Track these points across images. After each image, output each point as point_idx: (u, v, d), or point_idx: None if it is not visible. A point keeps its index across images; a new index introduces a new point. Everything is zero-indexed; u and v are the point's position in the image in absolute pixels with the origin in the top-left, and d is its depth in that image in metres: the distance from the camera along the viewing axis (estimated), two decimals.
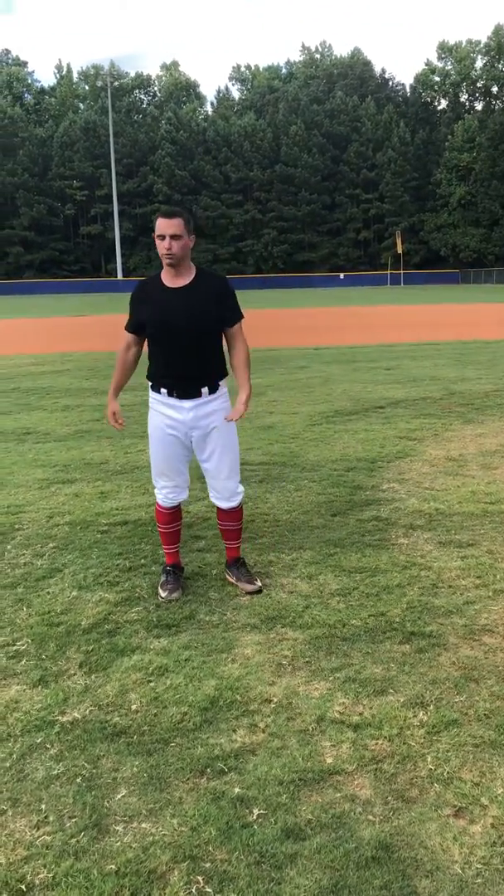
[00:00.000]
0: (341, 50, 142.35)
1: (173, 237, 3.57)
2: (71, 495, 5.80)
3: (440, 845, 2.17)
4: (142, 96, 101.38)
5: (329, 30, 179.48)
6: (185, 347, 3.71)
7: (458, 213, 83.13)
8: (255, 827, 2.26)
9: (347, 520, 5.05)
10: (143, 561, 4.45)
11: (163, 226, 3.57)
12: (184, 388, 3.78)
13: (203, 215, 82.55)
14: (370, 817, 2.29)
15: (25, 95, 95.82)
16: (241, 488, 4.05)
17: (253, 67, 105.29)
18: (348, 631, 3.48)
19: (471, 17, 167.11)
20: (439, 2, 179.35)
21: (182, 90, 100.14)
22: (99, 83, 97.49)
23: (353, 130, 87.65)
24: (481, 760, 2.55)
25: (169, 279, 3.72)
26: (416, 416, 8.49)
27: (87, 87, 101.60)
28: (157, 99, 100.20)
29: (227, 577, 4.13)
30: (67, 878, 2.09)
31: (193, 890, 2.05)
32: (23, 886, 2.07)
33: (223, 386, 3.92)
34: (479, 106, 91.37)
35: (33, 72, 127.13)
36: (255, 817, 2.31)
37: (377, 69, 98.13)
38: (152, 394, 3.90)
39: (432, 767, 2.52)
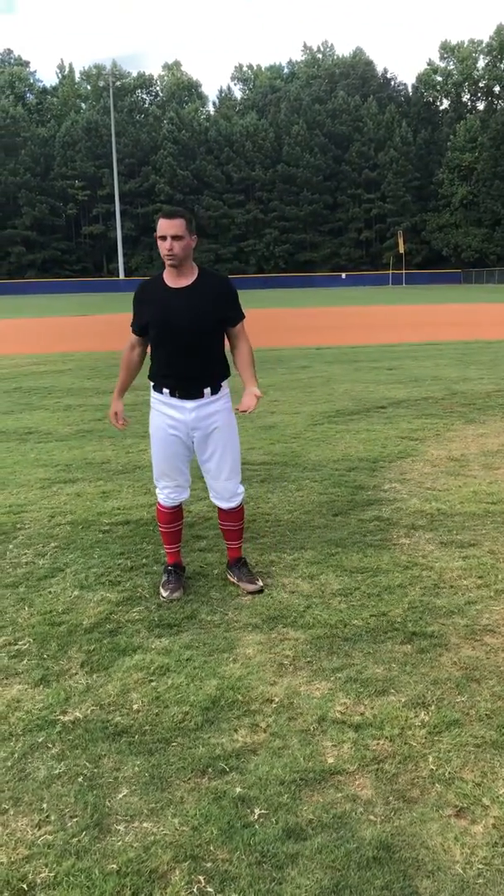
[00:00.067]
0: (343, 50, 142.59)
1: (175, 238, 3.57)
2: (73, 495, 5.80)
3: (441, 845, 2.17)
4: (144, 96, 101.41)
5: (331, 30, 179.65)
6: (188, 347, 3.71)
7: (460, 213, 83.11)
8: (257, 827, 2.26)
9: (349, 520, 5.05)
10: (144, 560, 4.45)
11: (164, 226, 3.57)
12: (186, 388, 3.78)
13: (205, 215, 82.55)
14: (371, 817, 2.29)
15: (27, 95, 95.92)
16: (241, 489, 4.05)
17: (255, 67, 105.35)
18: (350, 631, 3.48)
19: (473, 16, 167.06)
20: (441, 2, 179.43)
21: (184, 90, 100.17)
22: (101, 83, 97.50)
23: (354, 130, 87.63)
24: (483, 761, 2.55)
25: (171, 279, 3.72)
26: (417, 416, 8.48)
27: (89, 87, 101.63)
28: (159, 99, 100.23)
29: (229, 576, 4.13)
30: (69, 877, 2.09)
31: (195, 889, 2.05)
32: (24, 886, 2.07)
33: (225, 386, 3.92)
34: (481, 106, 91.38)
35: (35, 71, 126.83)
36: (256, 817, 2.31)
37: (379, 69, 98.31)
38: (154, 394, 3.90)
39: (434, 768, 2.52)
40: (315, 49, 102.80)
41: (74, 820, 2.32)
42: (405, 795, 2.39)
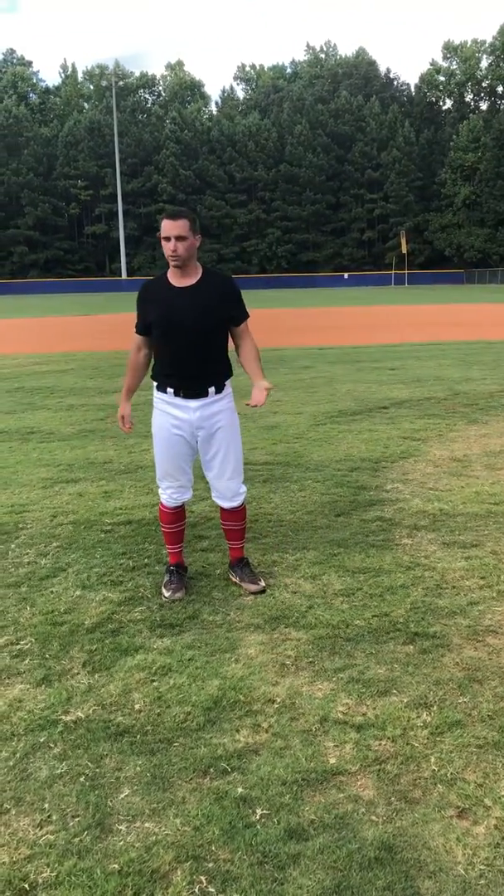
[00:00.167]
0: (346, 49, 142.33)
1: (178, 238, 3.57)
2: (75, 495, 5.81)
3: (443, 846, 2.17)
4: (146, 96, 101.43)
5: (334, 29, 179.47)
6: (192, 347, 3.71)
7: (463, 213, 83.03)
8: (258, 827, 2.26)
9: (351, 520, 5.04)
10: (146, 560, 4.45)
11: (168, 227, 3.57)
12: (190, 387, 3.78)
13: (207, 215, 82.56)
14: (373, 818, 2.29)
15: (30, 95, 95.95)
16: (243, 488, 4.05)
17: (258, 67, 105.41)
18: (352, 631, 3.48)
19: (476, 16, 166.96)
20: (444, 1, 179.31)
21: (187, 90, 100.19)
22: (104, 83, 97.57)
23: (357, 130, 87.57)
24: (485, 761, 2.55)
25: (175, 279, 3.72)
26: (420, 417, 8.48)
27: (91, 87, 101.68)
28: (161, 98, 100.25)
29: (231, 576, 4.13)
30: (70, 877, 2.09)
31: (196, 890, 2.05)
32: (26, 885, 2.07)
33: (229, 386, 3.92)
34: (484, 106, 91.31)
35: (38, 71, 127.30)
36: (258, 817, 2.31)
37: (382, 69, 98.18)
38: (158, 393, 3.90)
39: (436, 768, 2.51)
40: (318, 49, 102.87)
41: (76, 820, 2.33)
42: (407, 796, 2.39)
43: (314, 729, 2.75)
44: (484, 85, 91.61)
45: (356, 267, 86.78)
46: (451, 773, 2.49)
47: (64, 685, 3.09)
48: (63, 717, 2.87)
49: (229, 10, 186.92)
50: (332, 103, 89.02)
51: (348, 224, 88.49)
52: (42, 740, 2.73)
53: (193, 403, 3.79)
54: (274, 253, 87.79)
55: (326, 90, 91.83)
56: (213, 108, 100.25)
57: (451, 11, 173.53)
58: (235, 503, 4.03)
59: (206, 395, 3.80)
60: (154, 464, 4.07)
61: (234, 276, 4.04)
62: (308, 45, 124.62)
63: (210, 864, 2.13)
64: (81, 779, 2.51)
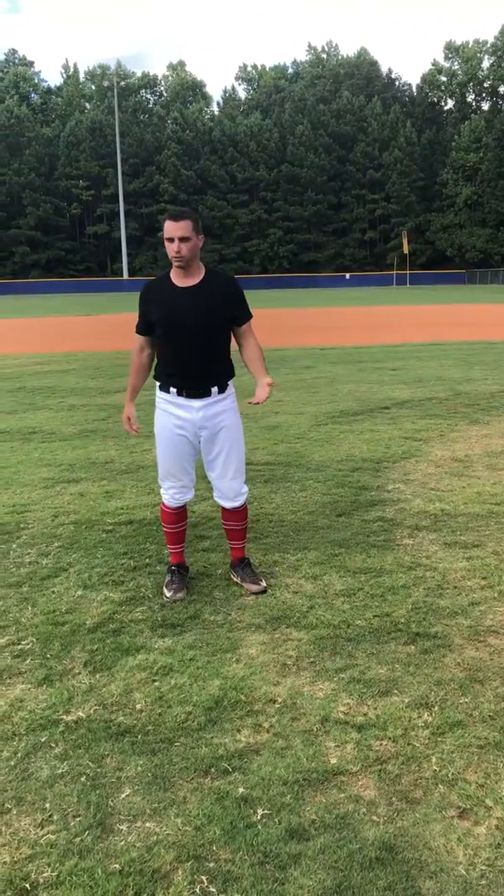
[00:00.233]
0: (348, 50, 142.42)
1: (182, 240, 3.57)
2: (76, 495, 5.81)
3: (444, 846, 2.17)
4: (148, 96, 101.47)
5: (335, 30, 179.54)
6: (195, 347, 3.72)
7: (465, 214, 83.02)
8: (259, 827, 2.26)
9: (352, 520, 5.04)
10: (147, 560, 4.45)
11: (171, 229, 3.57)
12: (193, 387, 3.78)
13: (209, 215, 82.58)
14: (374, 818, 2.29)
15: (32, 95, 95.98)
16: (245, 488, 4.05)
17: (259, 67, 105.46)
18: (353, 631, 3.48)
19: (478, 16, 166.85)
20: (446, 2, 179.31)
21: (188, 90, 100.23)
22: (105, 83, 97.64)
23: (359, 130, 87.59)
24: (486, 762, 2.54)
25: (178, 279, 3.73)
26: (421, 417, 8.48)
27: (93, 87, 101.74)
28: (163, 99, 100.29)
29: (232, 577, 4.13)
30: (71, 876, 2.09)
31: (197, 889, 2.05)
32: (27, 885, 2.07)
33: (232, 386, 3.93)
34: (485, 106, 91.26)
35: (40, 72, 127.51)
36: (259, 817, 2.31)
37: (384, 69, 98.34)
38: (160, 393, 3.90)
39: (437, 768, 2.51)
40: (319, 49, 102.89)
41: (77, 819, 2.33)
42: (408, 796, 2.39)
43: (315, 729, 2.75)
44: (486, 85, 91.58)
45: (358, 267, 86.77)
46: (453, 774, 2.48)
47: (65, 685, 3.09)
48: (64, 716, 2.87)
49: (231, 10, 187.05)
50: (333, 103, 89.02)
51: (350, 224, 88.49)
52: (43, 740, 2.73)
53: (197, 403, 3.79)
54: (275, 253, 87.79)
55: (328, 90, 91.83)
56: (215, 109, 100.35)
57: (453, 11, 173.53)
58: (237, 503, 4.03)
59: (209, 394, 3.80)
60: (156, 464, 4.07)
61: (235, 277, 4.03)
62: (309, 46, 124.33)
63: (211, 864, 2.13)
64: (82, 778, 2.52)
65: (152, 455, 6.70)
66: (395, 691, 2.97)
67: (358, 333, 20.86)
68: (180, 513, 4.10)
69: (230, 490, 3.98)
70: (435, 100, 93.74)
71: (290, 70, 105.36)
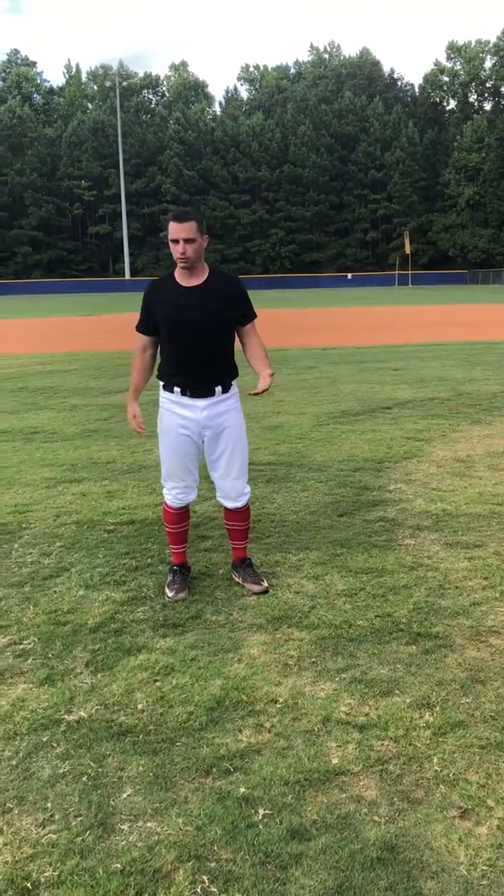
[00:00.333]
0: (350, 50, 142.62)
1: (187, 241, 3.57)
2: (78, 494, 5.81)
3: (446, 847, 2.17)
4: (150, 96, 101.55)
5: (337, 30, 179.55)
6: (199, 346, 3.72)
7: (467, 214, 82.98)
8: (261, 827, 2.26)
9: (354, 520, 5.04)
10: (149, 560, 4.46)
11: (175, 230, 3.57)
12: (197, 386, 3.78)
13: (211, 215, 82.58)
14: (375, 818, 2.29)
15: (34, 95, 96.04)
16: (248, 489, 4.05)
17: (261, 67, 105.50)
18: (354, 631, 3.48)
19: (480, 17, 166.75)
20: (448, 2, 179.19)
21: (190, 90, 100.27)
22: (108, 83, 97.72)
23: (361, 130, 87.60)
24: (487, 762, 2.54)
25: (183, 278, 3.73)
26: (423, 417, 8.47)
27: (95, 87, 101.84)
28: (165, 99, 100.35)
29: (234, 577, 4.13)
30: (73, 876, 2.09)
31: (198, 889, 2.05)
32: (28, 884, 2.08)
33: (235, 386, 3.93)
34: (488, 106, 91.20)
35: (42, 72, 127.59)
36: (260, 817, 2.31)
37: (386, 69, 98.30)
38: (164, 393, 3.89)
39: (438, 769, 2.51)
40: (321, 49, 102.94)
41: (79, 819, 2.33)
42: (409, 796, 2.39)
43: (317, 729, 2.75)
44: (488, 85, 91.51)
45: (359, 267, 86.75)
46: (454, 774, 2.48)
47: (67, 685, 3.10)
48: (66, 716, 2.87)
49: (233, 10, 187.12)
50: (335, 104, 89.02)
51: (352, 224, 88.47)
52: (45, 740, 2.74)
53: (200, 403, 3.79)
54: (277, 253, 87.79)
55: (330, 90, 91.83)
56: (217, 109, 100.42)
57: (455, 12, 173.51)
58: (240, 503, 4.03)
59: (212, 394, 3.80)
60: (158, 464, 4.07)
61: (239, 276, 4.03)
62: (311, 46, 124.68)
63: (212, 864, 2.13)
64: (84, 778, 2.52)
65: (154, 455, 6.70)
66: (397, 691, 2.97)
67: (360, 333, 20.85)
68: (183, 513, 4.10)
69: (233, 490, 3.98)
70: (437, 100, 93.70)
71: (293, 70, 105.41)
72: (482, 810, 2.32)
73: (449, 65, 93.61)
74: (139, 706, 2.93)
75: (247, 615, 3.70)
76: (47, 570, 4.34)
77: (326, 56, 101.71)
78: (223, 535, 4.52)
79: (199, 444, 3.89)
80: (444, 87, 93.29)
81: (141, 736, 2.74)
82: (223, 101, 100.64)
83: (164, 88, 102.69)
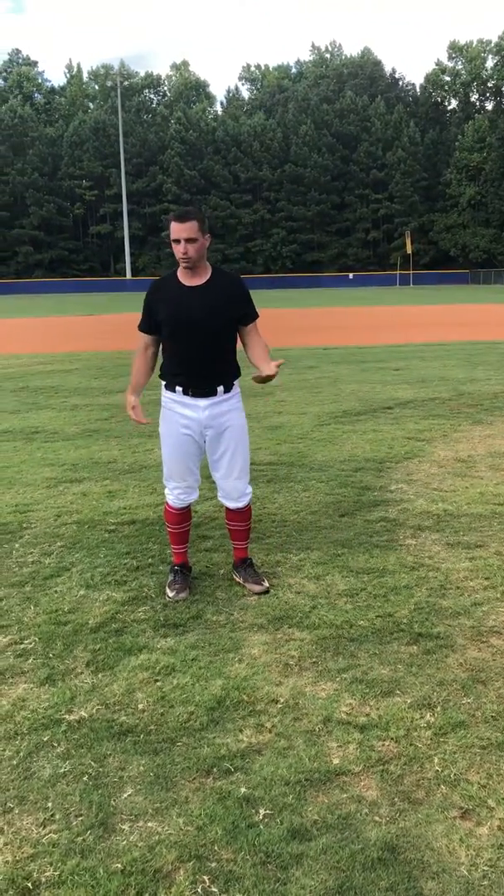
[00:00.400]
0: (351, 49, 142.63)
1: (188, 241, 3.57)
2: (79, 494, 5.81)
3: (446, 847, 2.17)
4: (151, 96, 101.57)
5: (339, 29, 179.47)
6: (201, 346, 3.72)
7: (468, 214, 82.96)
8: (261, 827, 2.26)
9: (355, 520, 5.04)
10: (150, 560, 4.46)
11: (177, 230, 3.57)
12: (199, 386, 3.78)
13: (212, 215, 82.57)
14: (376, 818, 2.29)
15: (35, 95, 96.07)
16: (249, 489, 4.05)
17: (263, 67, 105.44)
18: (355, 632, 3.47)
19: (482, 16, 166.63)
20: (450, 1, 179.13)
21: (192, 90, 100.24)
22: (109, 83, 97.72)
23: (362, 130, 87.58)
24: (488, 762, 2.54)
25: (185, 278, 3.73)
26: (424, 417, 8.47)
27: (96, 87, 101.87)
28: (166, 99, 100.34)
29: (235, 577, 4.13)
30: (73, 876, 2.09)
31: (199, 889, 2.05)
32: (29, 884, 2.08)
33: (237, 385, 3.92)
34: (489, 106, 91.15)
35: (43, 71, 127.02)
36: (261, 817, 2.31)
37: (387, 69, 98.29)
38: (166, 392, 3.89)
39: (439, 769, 2.51)
40: (323, 49, 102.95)
41: (79, 819, 2.33)
42: (410, 797, 2.39)
43: (317, 729, 2.75)
44: (489, 85, 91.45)
45: (361, 267, 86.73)
46: (455, 774, 2.48)
47: (67, 684, 3.10)
48: (66, 716, 2.87)
49: (234, 10, 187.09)
50: (337, 103, 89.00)
51: (353, 224, 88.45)
52: (45, 739, 2.74)
53: (202, 402, 3.79)
54: (279, 253, 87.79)
55: (331, 90, 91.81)
56: (218, 109, 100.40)
57: (456, 11, 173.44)
58: (241, 503, 4.03)
59: (214, 393, 3.79)
60: (159, 464, 4.08)
61: (241, 276, 4.01)
62: (313, 45, 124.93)
63: (213, 864, 2.13)
64: (84, 778, 2.52)
65: (155, 455, 6.70)
66: (398, 692, 2.97)
67: (361, 333, 20.85)
68: (184, 513, 4.10)
69: (234, 490, 3.98)
70: (438, 99, 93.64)
71: (294, 70, 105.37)
72: (483, 811, 2.32)
73: (450, 64, 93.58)
74: (140, 706, 2.93)
75: (248, 615, 3.70)
76: (48, 569, 4.34)
77: (328, 56, 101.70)
78: (224, 535, 4.52)
79: (200, 443, 3.89)
80: (446, 87, 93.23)
81: (142, 736, 2.74)
82: (224, 101, 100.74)
83: (166, 88, 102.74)
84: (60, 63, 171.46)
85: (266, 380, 3.74)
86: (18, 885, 2.07)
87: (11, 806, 2.40)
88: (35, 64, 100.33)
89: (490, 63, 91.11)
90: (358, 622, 3.56)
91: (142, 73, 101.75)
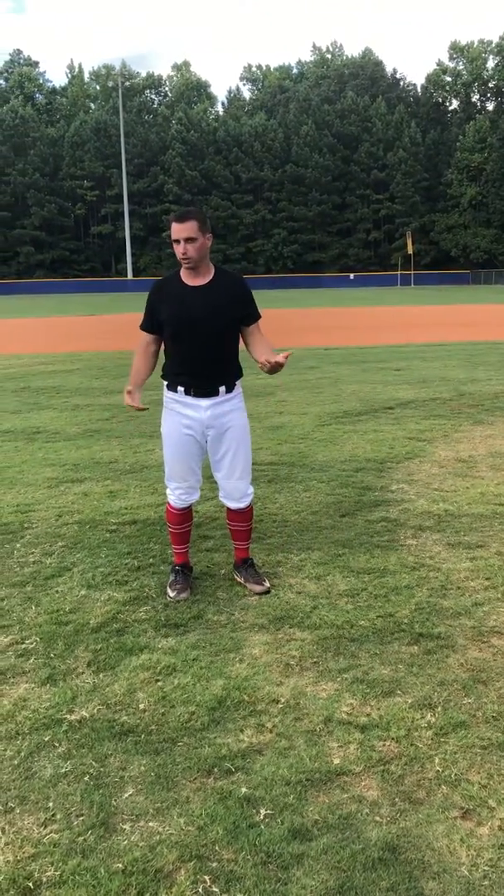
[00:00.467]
0: (352, 50, 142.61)
1: (188, 241, 3.57)
2: (80, 494, 5.82)
3: (447, 847, 2.17)
4: (153, 96, 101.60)
5: (340, 30, 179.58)
6: (203, 346, 3.72)
7: (469, 214, 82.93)
8: (262, 827, 2.26)
9: (356, 520, 5.04)
10: (151, 560, 4.46)
11: (177, 230, 3.57)
12: (201, 386, 3.78)
13: (213, 215, 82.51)
14: (377, 818, 2.29)
15: (37, 95, 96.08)
16: (251, 489, 4.05)
17: (264, 67, 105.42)
18: (356, 632, 3.48)
19: (483, 17, 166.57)
20: (451, 2, 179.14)
21: (193, 90, 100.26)
22: (110, 83, 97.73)
23: (363, 130, 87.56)
24: (489, 762, 2.54)
25: (188, 278, 3.73)
26: (425, 417, 8.47)
27: (98, 88, 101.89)
28: (167, 99, 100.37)
29: (236, 577, 4.13)
30: (74, 876, 2.10)
31: (200, 889, 2.05)
32: (30, 884, 2.08)
33: (239, 386, 3.93)
34: (490, 106, 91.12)
35: (45, 72, 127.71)
36: (261, 817, 2.31)
37: (388, 69, 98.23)
38: (168, 392, 3.89)
39: (440, 769, 2.51)
40: (324, 49, 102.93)
41: (80, 819, 2.33)
42: (411, 797, 2.39)
43: (318, 729, 2.75)
44: (490, 85, 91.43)
45: (362, 267, 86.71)
46: (456, 774, 2.48)
47: (69, 684, 3.10)
48: (68, 716, 2.87)
49: (236, 10, 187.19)
50: (338, 104, 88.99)
51: (354, 224, 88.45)
52: (47, 739, 2.74)
53: (204, 402, 3.79)
54: (280, 253, 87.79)
55: (332, 90, 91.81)
56: (220, 109, 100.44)
57: (457, 12, 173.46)
58: (243, 504, 4.03)
59: (216, 394, 3.80)
60: (160, 464, 4.08)
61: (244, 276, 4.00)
62: (314, 46, 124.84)
63: (214, 864, 2.13)
64: (86, 778, 2.52)
65: (156, 455, 6.70)
66: (399, 692, 2.97)
67: (362, 334, 20.85)
68: (186, 513, 4.10)
69: (236, 490, 3.98)
70: (439, 100, 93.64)
71: (295, 70, 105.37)
72: (484, 811, 2.32)
73: (451, 65, 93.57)
74: (141, 706, 2.93)
75: (248, 615, 3.70)
76: (49, 569, 4.34)
77: (329, 56, 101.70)
78: (225, 536, 4.52)
79: (202, 444, 3.89)
80: (447, 87, 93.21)
81: (143, 736, 2.74)
82: (225, 101, 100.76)
83: (167, 88, 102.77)
84: (62, 63, 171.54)
85: (275, 368, 3.68)
86: (20, 884, 2.08)
87: (13, 806, 2.40)
88: (36, 64, 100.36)
89: (491, 63, 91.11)
90: (359, 622, 3.57)
91: (143, 74, 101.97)
